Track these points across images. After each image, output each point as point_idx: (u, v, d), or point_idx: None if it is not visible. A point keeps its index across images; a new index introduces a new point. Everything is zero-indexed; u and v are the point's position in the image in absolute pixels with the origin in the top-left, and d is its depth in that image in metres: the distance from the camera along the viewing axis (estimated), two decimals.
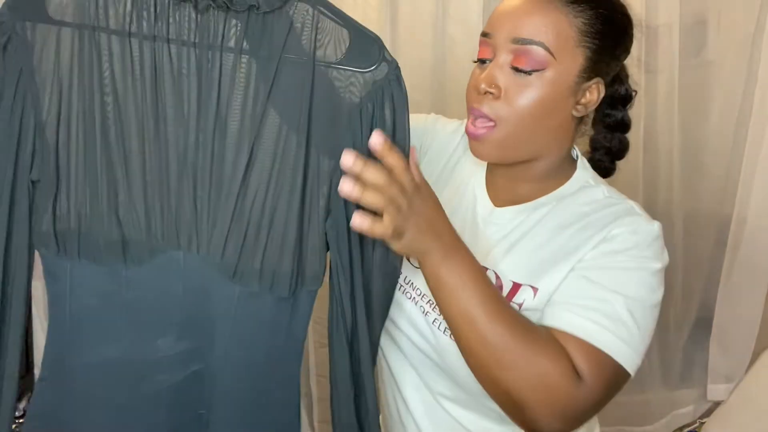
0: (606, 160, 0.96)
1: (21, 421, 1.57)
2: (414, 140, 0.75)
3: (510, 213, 0.85)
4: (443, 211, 0.71)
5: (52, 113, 0.68)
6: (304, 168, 0.69)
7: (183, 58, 0.67)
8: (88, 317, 0.74)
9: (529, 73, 0.75)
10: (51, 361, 0.77)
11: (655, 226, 0.81)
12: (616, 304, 0.73)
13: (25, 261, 0.71)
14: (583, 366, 0.70)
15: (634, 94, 0.91)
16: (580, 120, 0.86)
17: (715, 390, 1.99)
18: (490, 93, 0.76)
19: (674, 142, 1.85)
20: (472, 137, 0.79)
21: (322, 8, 0.67)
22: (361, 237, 0.71)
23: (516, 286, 0.80)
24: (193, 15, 0.67)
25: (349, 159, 0.63)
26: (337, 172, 0.67)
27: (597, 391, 0.71)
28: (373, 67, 0.67)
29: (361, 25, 0.68)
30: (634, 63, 1.80)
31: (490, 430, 0.85)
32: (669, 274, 2.00)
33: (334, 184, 0.69)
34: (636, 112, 1.82)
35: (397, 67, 0.69)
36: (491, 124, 0.77)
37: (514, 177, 0.86)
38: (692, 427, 1.99)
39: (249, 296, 0.72)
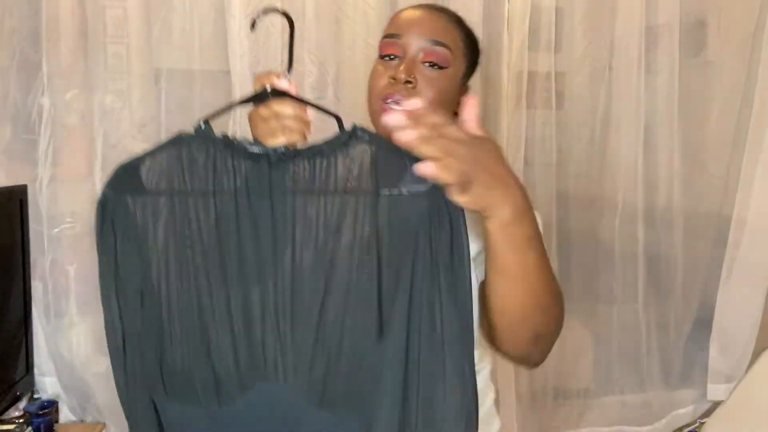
0: None
1: (21, 420, 1.57)
2: None
3: None
4: (509, 166, 0.71)
5: (155, 271, 0.77)
6: (378, 295, 0.73)
7: (260, 207, 0.75)
8: None
9: (440, 68, 0.92)
10: None
11: None
12: None
13: (149, 410, 0.77)
14: None
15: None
16: None
17: (715, 390, 1.99)
18: (409, 83, 0.91)
19: (674, 142, 1.86)
20: None
21: (379, 142, 0.74)
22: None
23: None
24: (266, 168, 0.74)
25: (392, 118, 0.65)
26: (415, 298, 0.71)
27: None
28: (427, 188, 0.70)
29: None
30: (634, 63, 1.83)
31: None
32: (669, 274, 2.02)
33: (412, 305, 0.72)
34: (636, 112, 1.83)
35: None
36: None
37: None
38: (692, 427, 1.99)
39: (336, 423, 0.75)
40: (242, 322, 0.76)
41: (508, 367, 1.86)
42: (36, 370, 1.65)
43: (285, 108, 0.80)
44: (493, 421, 1.02)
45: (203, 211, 0.76)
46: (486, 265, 0.76)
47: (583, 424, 1.96)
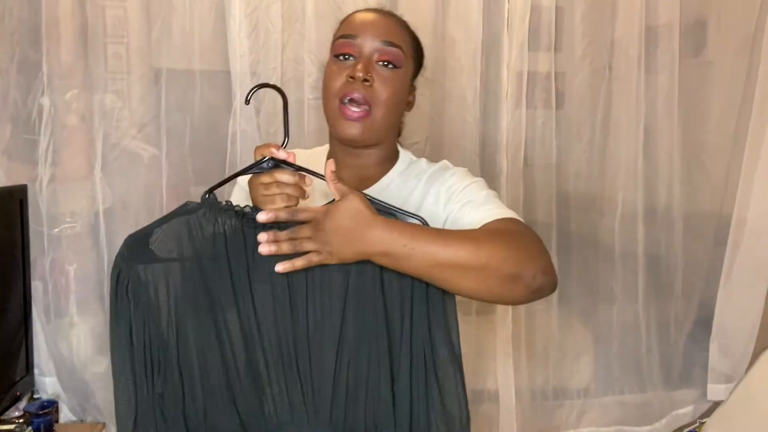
0: None
1: (21, 420, 1.57)
2: None
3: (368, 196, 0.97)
4: (362, 210, 0.81)
5: (170, 334, 0.82)
6: (387, 337, 0.82)
7: (272, 268, 0.80)
8: None
9: (395, 67, 0.98)
10: None
11: (462, 168, 1.06)
12: (489, 202, 0.96)
13: None
14: None
15: None
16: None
17: (715, 390, 1.99)
18: (367, 81, 0.96)
19: (674, 142, 1.85)
20: (351, 119, 0.97)
21: (375, 204, 0.84)
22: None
23: None
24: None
25: (264, 247, 0.80)
26: (416, 339, 0.83)
27: None
28: None
29: (405, 211, 0.85)
30: (634, 63, 1.83)
31: None
32: (669, 274, 2.02)
33: (413, 347, 0.83)
34: (636, 112, 1.83)
35: None
36: (367, 107, 0.96)
37: (360, 165, 1.04)
38: (692, 427, 1.99)
39: None
40: (265, 374, 0.82)
41: (508, 367, 1.87)
42: (36, 370, 1.65)
43: (285, 176, 0.86)
44: None
45: (217, 274, 0.82)
46: None
47: (583, 424, 1.96)
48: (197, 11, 1.64)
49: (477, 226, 0.90)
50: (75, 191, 1.65)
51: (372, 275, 0.83)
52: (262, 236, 0.80)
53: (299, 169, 0.87)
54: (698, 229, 1.93)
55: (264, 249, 0.80)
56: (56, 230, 1.65)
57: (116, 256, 0.83)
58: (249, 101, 0.92)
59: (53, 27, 1.59)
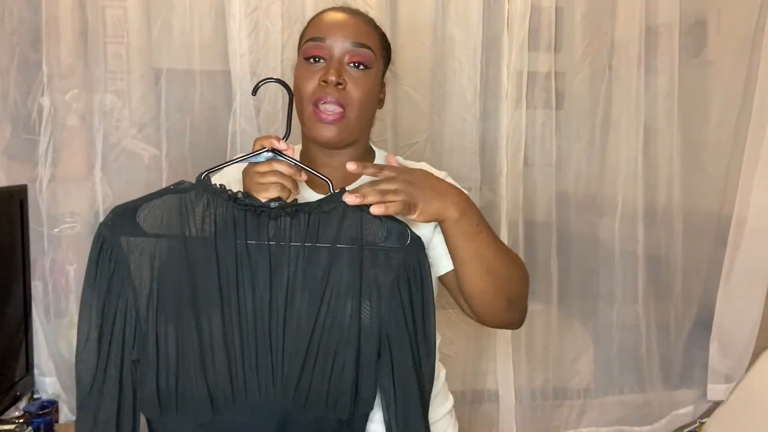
0: None
1: (21, 420, 1.57)
2: None
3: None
4: (442, 180, 0.91)
5: (151, 306, 0.84)
6: (358, 326, 0.86)
7: (258, 253, 0.85)
8: None
9: (366, 68, 0.99)
10: None
11: (444, 172, 1.09)
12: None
13: (131, 425, 0.85)
14: None
15: None
16: None
17: (715, 390, 2.00)
18: (340, 84, 0.97)
19: (674, 142, 1.86)
20: (327, 122, 0.98)
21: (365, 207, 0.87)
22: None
23: None
24: (266, 219, 0.85)
25: (351, 198, 0.84)
26: (383, 329, 0.86)
27: None
28: (406, 244, 0.87)
29: (394, 217, 0.88)
30: (634, 63, 1.83)
31: None
32: (669, 274, 2.02)
33: (381, 337, 0.87)
34: (636, 112, 1.83)
35: (419, 239, 0.88)
36: (341, 110, 0.98)
37: (336, 165, 1.04)
38: (692, 427, 1.99)
39: (318, 420, 0.87)
40: (238, 347, 0.84)
41: (508, 367, 1.87)
42: (36, 370, 1.65)
43: (283, 167, 0.88)
44: (440, 369, 1.15)
45: (202, 253, 0.84)
46: (453, 262, 0.95)
47: (583, 424, 1.96)
48: (197, 11, 1.64)
49: None
50: (75, 191, 1.65)
51: (351, 265, 0.85)
52: (350, 198, 0.85)
53: (297, 163, 0.89)
54: (698, 229, 1.93)
55: (350, 199, 0.84)
56: (56, 230, 1.65)
57: (100, 225, 0.83)
58: (256, 92, 0.92)
59: (53, 27, 1.59)
